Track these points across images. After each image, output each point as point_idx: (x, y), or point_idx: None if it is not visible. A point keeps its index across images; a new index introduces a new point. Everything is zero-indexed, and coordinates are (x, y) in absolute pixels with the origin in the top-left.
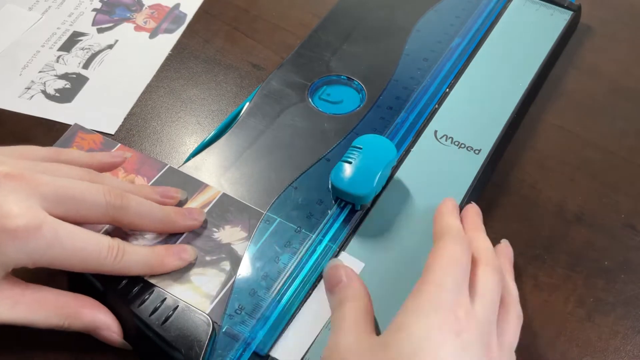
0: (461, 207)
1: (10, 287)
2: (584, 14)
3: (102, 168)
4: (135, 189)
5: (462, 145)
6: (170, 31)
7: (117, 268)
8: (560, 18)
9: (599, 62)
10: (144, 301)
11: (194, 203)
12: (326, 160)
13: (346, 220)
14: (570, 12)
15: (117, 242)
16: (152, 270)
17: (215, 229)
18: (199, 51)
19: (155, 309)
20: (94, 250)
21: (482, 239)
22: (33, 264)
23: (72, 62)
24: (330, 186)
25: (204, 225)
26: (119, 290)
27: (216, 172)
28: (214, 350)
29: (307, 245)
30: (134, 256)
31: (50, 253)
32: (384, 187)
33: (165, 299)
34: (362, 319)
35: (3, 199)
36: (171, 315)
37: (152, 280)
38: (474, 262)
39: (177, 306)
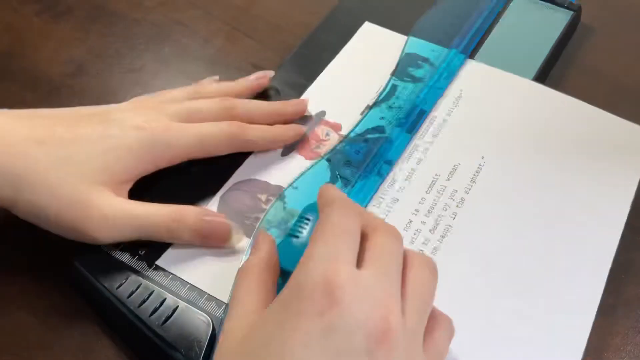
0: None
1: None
2: (584, 14)
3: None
4: (234, 84)
5: None
6: None
7: (245, 140)
8: (561, 18)
9: (599, 62)
10: (144, 301)
11: None
12: (326, 161)
13: None
14: (571, 12)
15: (236, 123)
16: (274, 142)
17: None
18: (199, 51)
19: (155, 309)
20: (217, 130)
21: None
22: (174, 154)
23: None
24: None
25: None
26: (119, 290)
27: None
28: (214, 350)
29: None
30: (257, 130)
31: (183, 141)
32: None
33: (165, 299)
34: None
35: (140, 115)
36: (171, 315)
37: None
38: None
39: (177, 306)
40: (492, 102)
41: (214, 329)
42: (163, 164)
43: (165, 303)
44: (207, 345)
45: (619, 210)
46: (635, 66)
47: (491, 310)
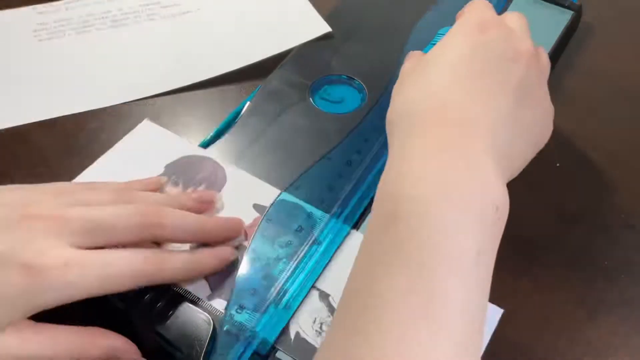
0: None
1: (26, 326)
2: (584, 14)
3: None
4: (170, 200)
5: None
6: None
7: (160, 278)
8: (561, 18)
9: (599, 62)
10: (144, 300)
11: None
12: (327, 160)
13: (347, 219)
14: (571, 12)
15: (152, 252)
16: (192, 275)
17: None
18: None
19: (156, 309)
20: (128, 267)
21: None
22: (69, 298)
23: None
24: None
25: None
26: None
27: None
28: (214, 349)
29: (308, 245)
30: (175, 263)
31: (84, 283)
32: None
33: (165, 298)
34: None
35: (31, 242)
36: (172, 314)
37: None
38: None
39: (178, 306)
40: None
41: (214, 328)
42: (54, 305)
43: (165, 302)
44: (207, 344)
45: None
46: (636, 66)
47: None
